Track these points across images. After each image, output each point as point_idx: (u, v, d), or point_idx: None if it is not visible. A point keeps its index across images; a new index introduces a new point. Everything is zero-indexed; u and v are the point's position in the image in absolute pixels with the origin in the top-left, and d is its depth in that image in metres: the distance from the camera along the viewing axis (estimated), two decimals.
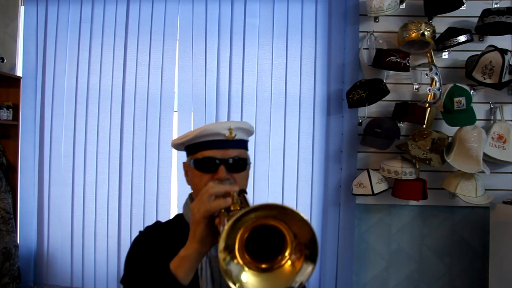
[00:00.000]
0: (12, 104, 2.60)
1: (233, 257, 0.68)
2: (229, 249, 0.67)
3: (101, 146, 2.58)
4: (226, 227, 0.66)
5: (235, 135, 1.00)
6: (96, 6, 2.59)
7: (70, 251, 2.59)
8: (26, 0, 2.66)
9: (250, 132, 1.07)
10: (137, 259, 0.99)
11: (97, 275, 2.57)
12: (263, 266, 0.71)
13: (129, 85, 2.57)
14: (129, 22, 2.56)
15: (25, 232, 2.63)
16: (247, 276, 0.69)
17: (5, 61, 2.62)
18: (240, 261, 0.69)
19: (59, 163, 2.61)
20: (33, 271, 2.64)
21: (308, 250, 0.69)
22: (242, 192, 0.92)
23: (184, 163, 1.10)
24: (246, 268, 0.69)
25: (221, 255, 0.66)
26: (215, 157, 0.98)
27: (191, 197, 1.09)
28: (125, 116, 2.57)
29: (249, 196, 1.00)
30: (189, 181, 1.08)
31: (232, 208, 0.78)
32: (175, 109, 2.59)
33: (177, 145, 1.09)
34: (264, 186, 2.48)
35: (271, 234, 0.71)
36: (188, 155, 1.08)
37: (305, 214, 0.68)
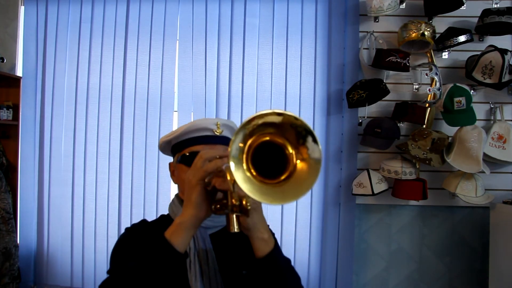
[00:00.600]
0: (12, 104, 2.60)
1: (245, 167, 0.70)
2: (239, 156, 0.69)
3: (101, 146, 2.58)
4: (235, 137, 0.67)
5: (222, 131, 1.02)
6: (96, 6, 2.59)
7: (70, 251, 2.59)
8: (26, 0, 2.66)
9: (234, 130, 1.07)
10: (123, 253, 0.99)
11: (97, 275, 2.57)
12: (282, 178, 0.72)
13: (129, 85, 2.57)
14: (129, 22, 2.57)
15: (25, 232, 2.63)
16: (259, 186, 0.70)
17: (5, 61, 2.62)
18: (250, 173, 0.70)
19: (59, 163, 2.61)
20: (33, 271, 2.64)
21: (303, 135, 0.71)
22: None
23: (170, 163, 1.10)
24: (252, 174, 0.70)
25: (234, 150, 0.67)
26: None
27: (178, 197, 1.09)
28: (125, 116, 2.57)
29: None
30: (175, 180, 1.08)
31: (225, 167, 0.78)
32: (175, 109, 2.59)
33: (165, 144, 1.09)
34: None
35: (271, 154, 0.73)
36: (174, 154, 1.08)
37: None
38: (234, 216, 0.80)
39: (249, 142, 0.71)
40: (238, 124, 0.98)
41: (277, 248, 0.87)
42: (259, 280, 0.84)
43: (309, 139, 0.71)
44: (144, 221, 1.12)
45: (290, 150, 0.73)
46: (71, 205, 2.59)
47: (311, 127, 0.71)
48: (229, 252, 1.01)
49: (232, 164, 0.68)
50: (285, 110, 0.69)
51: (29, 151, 2.64)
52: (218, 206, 0.82)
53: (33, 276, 2.63)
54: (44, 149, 2.61)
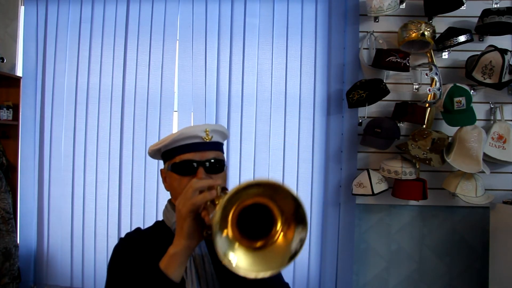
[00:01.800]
0: (12, 104, 2.60)
1: (226, 232, 0.70)
2: (222, 226, 0.69)
3: (101, 146, 2.58)
4: (222, 202, 0.67)
5: (212, 137, 1.02)
6: (96, 6, 2.59)
7: (70, 251, 2.59)
8: (26, 0, 2.66)
9: (225, 135, 1.08)
10: (120, 266, 0.99)
11: (97, 275, 2.57)
12: (257, 245, 0.73)
13: (129, 85, 2.57)
14: (129, 22, 2.56)
15: (25, 232, 2.63)
16: (239, 253, 0.70)
17: (5, 61, 2.62)
18: (231, 235, 0.70)
19: (59, 163, 2.61)
20: (33, 271, 2.64)
21: (296, 216, 0.72)
22: (224, 189, 0.93)
23: (161, 170, 1.10)
24: (237, 244, 0.71)
25: (215, 228, 0.67)
26: (194, 159, 0.99)
27: (170, 203, 1.09)
28: (125, 116, 2.57)
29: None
30: (167, 187, 1.08)
31: (216, 202, 0.79)
32: (175, 109, 2.59)
33: (154, 152, 1.09)
34: None
35: (261, 216, 0.73)
36: (165, 161, 1.08)
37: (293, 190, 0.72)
38: None
39: (233, 210, 0.71)
40: (228, 128, 1.00)
41: None
42: (256, 282, 0.85)
43: (303, 225, 0.72)
44: (138, 230, 1.12)
45: (278, 217, 0.74)
46: (71, 205, 2.59)
47: (307, 218, 0.73)
48: None
49: (228, 257, 0.68)
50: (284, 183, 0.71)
51: (29, 151, 2.64)
52: (210, 232, 0.82)
53: (33, 276, 2.63)
54: (44, 149, 2.61)
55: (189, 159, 0.99)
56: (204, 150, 1.00)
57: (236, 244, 0.70)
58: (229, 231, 0.70)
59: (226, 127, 2.49)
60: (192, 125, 1.06)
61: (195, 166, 0.98)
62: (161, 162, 2.63)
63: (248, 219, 0.73)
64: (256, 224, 0.73)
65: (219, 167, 1.01)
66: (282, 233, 0.73)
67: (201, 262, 0.98)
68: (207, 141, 1.01)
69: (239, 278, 0.96)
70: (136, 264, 0.97)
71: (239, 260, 0.69)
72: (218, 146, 1.05)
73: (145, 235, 1.07)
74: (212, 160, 1.00)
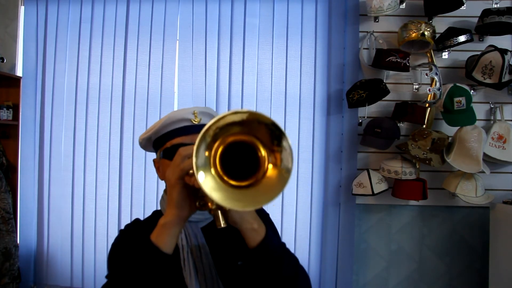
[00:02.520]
0: (12, 104, 2.60)
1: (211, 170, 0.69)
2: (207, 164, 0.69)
3: (101, 146, 2.58)
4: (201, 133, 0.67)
5: (201, 119, 1.00)
6: (96, 6, 2.59)
7: (70, 251, 2.59)
8: (26, 0, 2.66)
9: (213, 117, 1.06)
10: (119, 257, 0.99)
11: (97, 275, 2.57)
12: (246, 183, 0.72)
13: (129, 85, 2.57)
14: (129, 22, 2.57)
15: (25, 232, 2.63)
16: (226, 191, 0.69)
17: (5, 61, 2.62)
18: (215, 173, 0.70)
19: (59, 163, 2.61)
20: (33, 271, 2.64)
21: (273, 137, 0.69)
22: None
23: (154, 160, 1.08)
24: (222, 182, 0.70)
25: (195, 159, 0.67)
26: (184, 143, 0.96)
27: (166, 192, 1.07)
28: (125, 116, 2.57)
29: None
30: (161, 176, 1.06)
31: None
32: (175, 109, 2.59)
33: (145, 141, 1.07)
34: None
35: (247, 157, 0.72)
36: (156, 150, 1.06)
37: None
38: (219, 211, 0.79)
39: (215, 145, 0.70)
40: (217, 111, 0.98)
41: (268, 235, 0.85)
42: (254, 270, 0.84)
43: (284, 141, 0.70)
44: (137, 220, 1.11)
45: (263, 152, 0.72)
46: (71, 205, 2.59)
47: (281, 126, 0.69)
48: (223, 244, 1.01)
49: (199, 176, 0.67)
50: (257, 109, 0.69)
51: (29, 151, 2.64)
52: (202, 202, 0.81)
53: (33, 276, 2.63)
54: (44, 149, 2.61)
55: (180, 143, 0.97)
56: (194, 132, 0.98)
57: (221, 182, 0.70)
58: (219, 172, 0.70)
59: None
60: (176, 110, 1.05)
61: None
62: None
63: (234, 162, 0.72)
64: (244, 166, 0.72)
65: None
66: (271, 165, 0.72)
67: (198, 253, 0.97)
68: (196, 123, 1.00)
69: (238, 270, 0.95)
70: (133, 255, 0.96)
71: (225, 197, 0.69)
72: None
73: (143, 226, 1.06)
74: None
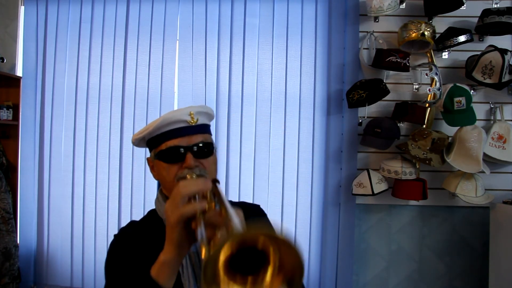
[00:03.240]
0: (12, 104, 2.60)
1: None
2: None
3: (101, 146, 2.58)
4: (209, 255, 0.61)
5: (197, 120, 0.97)
6: (96, 6, 2.59)
7: (70, 251, 2.59)
8: (26, 0, 2.66)
9: (210, 116, 1.03)
10: (116, 264, 0.97)
11: (97, 275, 2.57)
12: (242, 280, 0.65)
13: (129, 85, 2.57)
14: (129, 22, 2.56)
15: (25, 232, 2.63)
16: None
17: (5, 61, 2.62)
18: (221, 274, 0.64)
19: (59, 163, 2.61)
20: (33, 271, 2.64)
21: (290, 277, 0.63)
22: (214, 182, 0.88)
23: (148, 159, 1.05)
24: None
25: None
26: (181, 145, 0.94)
27: (161, 193, 1.05)
28: (125, 116, 2.57)
29: (221, 186, 0.97)
30: (156, 176, 1.03)
31: (206, 208, 0.75)
32: (175, 109, 2.58)
33: (138, 140, 1.04)
34: (264, 186, 2.48)
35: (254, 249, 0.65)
36: (151, 149, 1.03)
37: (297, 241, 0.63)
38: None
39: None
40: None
41: None
42: None
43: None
44: (132, 223, 1.10)
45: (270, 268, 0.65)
46: (71, 205, 2.59)
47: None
48: None
49: None
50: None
51: (29, 151, 2.64)
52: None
53: (33, 276, 2.63)
54: (44, 149, 2.61)
55: (176, 145, 0.94)
56: (190, 134, 0.96)
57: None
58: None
59: (226, 128, 2.50)
60: (172, 110, 1.02)
61: (183, 152, 0.94)
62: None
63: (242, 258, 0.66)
64: (247, 258, 0.66)
65: (207, 151, 0.98)
66: (269, 280, 0.65)
67: (196, 259, 0.96)
68: (193, 124, 0.96)
69: None
70: (131, 262, 0.95)
71: None
72: (205, 129, 1.00)
73: (138, 228, 1.05)
74: (200, 144, 0.96)
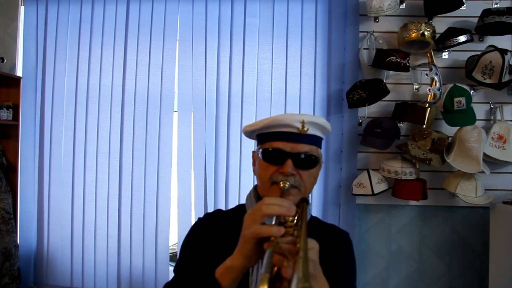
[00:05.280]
0: (12, 104, 2.60)
1: None
2: None
3: (101, 146, 2.58)
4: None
5: (307, 130, 0.96)
6: (96, 6, 2.59)
7: (70, 251, 2.59)
8: (26, 0, 2.66)
9: (324, 128, 1.01)
10: (192, 248, 1.00)
11: (97, 275, 2.57)
12: None
13: (129, 85, 2.57)
14: (129, 22, 2.57)
15: (25, 232, 2.63)
16: None
17: (5, 61, 2.62)
18: None
19: (59, 163, 2.61)
20: (33, 271, 2.64)
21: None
22: (303, 201, 0.88)
23: (253, 152, 1.07)
24: None
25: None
26: (284, 149, 0.95)
27: (255, 189, 1.06)
28: (125, 116, 2.57)
29: (311, 208, 0.97)
30: (255, 171, 1.04)
31: (283, 233, 0.75)
32: (175, 109, 2.59)
33: (248, 133, 1.06)
34: None
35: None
36: (258, 144, 1.05)
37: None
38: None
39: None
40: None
41: None
42: None
43: None
44: (218, 211, 1.11)
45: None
46: (71, 205, 2.59)
47: None
48: None
49: None
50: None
51: (29, 151, 2.63)
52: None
53: (33, 276, 2.63)
54: (44, 149, 2.61)
55: (280, 148, 0.95)
56: (297, 141, 0.95)
57: None
58: None
59: (226, 128, 2.49)
60: (286, 113, 1.03)
61: (285, 156, 0.94)
62: (161, 162, 2.62)
63: None
64: None
65: (310, 162, 0.97)
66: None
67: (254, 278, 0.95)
68: (302, 133, 0.95)
69: None
70: (205, 250, 0.97)
71: None
72: (314, 140, 0.99)
73: (223, 218, 1.06)
74: (304, 155, 0.95)
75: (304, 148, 0.96)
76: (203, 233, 1.02)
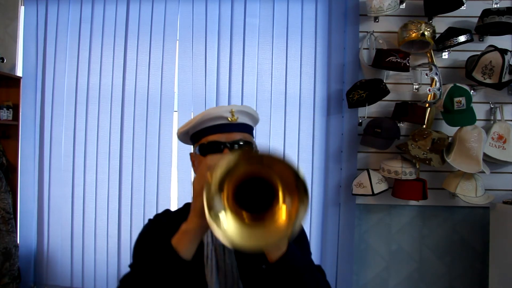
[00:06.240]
0: (12, 104, 2.60)
1: (221, 198, 0.71)
2: (220, 188, 0.70)
3: (101, 146, 2.58)
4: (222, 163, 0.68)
5: (237, 118, 1.00)
6: (96, 6, 2.59)
7: (70, 251, 2.59)
8: (26, 0, 2.66)
9: (253, 117, 1.05)
10: (144, 246, 1.00)
11: (97, 275, 2.57)
12: (255, 219, 0.73)
13: (129, 85, 2.57)
14: (129, 22, 2.57)
15: (25, 232, 2.63)
16: (229, 220, 0.71)
17: (5, 61, 2.62)
18: (226, 204, 0.71)
19: (59, 163, 2.61)
20: (33, 271, 2.64)
21: (298, 189, 0.70)
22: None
23: (190, 154, 1.09)
24: (229, 212, 0.71)
25: (213, 188, 0.68)
26: (220, 140, 0.97)
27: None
28: (125, 116, 2.57)
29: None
30: (196, 171, 1.07)
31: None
32: (175, 109, 2.59)
33: (183, 135, 1.08)
34: None
35: (263, 191, 0.73)
36: (193, 144, 1.07)
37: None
38: None
39: (233, 179, 0.72)
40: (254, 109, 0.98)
41: (289, 252, 0.83)
42: (274, 282, 0.84)
43: (304, 196, 0.70)
44: (167, 211, 1.12)
45: (280, 191, 0.73)
46: (71, 205, 2.59)
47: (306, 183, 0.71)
48: None
49: (217, 223, 0.69)
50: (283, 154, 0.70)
51: (29, 151, 2.63)
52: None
53: (33, 276, 2.63)
54: (44, 149, 2.61)
55: (216, 140, 0.98)
56: (230, 131, 0.99)
57: (229, 213, 0.71)
58: (225, 197, 0.71)
59: None
60: (214, 107, 1.06)
61: (222, 147, 0.97)
62: (161, 162, 2.61)
63: (250, 195, 0.73)
64: (258, 200, 0.74)
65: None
66: (285, 208, 0.72)
67: (221, 252, 0.97)
68: (233, 122, 0.99)
69: (260, 273, 0.94)
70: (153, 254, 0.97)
71: (230, 228, 0.70)
72: (245, 128, 1.02)
73: (173, 218, 1.06)
74: (240, 142, 0.98)
75: (238, 136, 0.99)
76: (156, 234, 1.01)
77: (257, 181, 0.73)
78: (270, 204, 0.73)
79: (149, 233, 1.03)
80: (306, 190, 0.70)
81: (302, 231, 1.14)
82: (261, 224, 0.72)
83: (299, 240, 0.97)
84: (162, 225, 1.03)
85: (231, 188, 0.72)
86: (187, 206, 1.12)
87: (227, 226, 0.70)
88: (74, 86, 2.60)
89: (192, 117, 1.14)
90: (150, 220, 1.07)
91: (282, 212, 0.72)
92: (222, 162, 0.70)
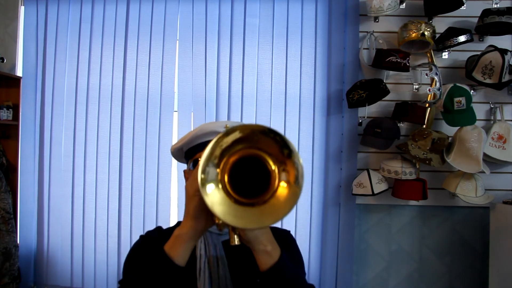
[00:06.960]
0: (12, 104, 2.60)
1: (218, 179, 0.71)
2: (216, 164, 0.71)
3: (101, 146, 2.58)
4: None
5: None
6: (96, 6, 2.59)
7: (70, 251, 2.59)
8: (26, 0, 2.66)
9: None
10: (135, 263, 0.98)
11: (97, 275, 2.57)
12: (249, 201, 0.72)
13: (129, 85, 2.57)
14: (129, 22, 2.56)
15: (25, 232, 2.63)
16: (220, 195, 0.70)
17: (5, 61, 2.62)
18: (219, 178, 0.71)
19: (59, 163, 2.61)
20: (33, 271, 2.64)
21: (283, 151, 0.71)
22: None
23: (184, 171, 1.08)
24: (221, 190, 0.71)
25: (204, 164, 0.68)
26: None
27: None
28: (125, 116, 2.57)
29: None
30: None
31: None
32: (175, 109, 2.59)
33: (177, 151, 1.08)
34: None
35: (259, 178, 0.73)
36: (187, 161, 1.07)
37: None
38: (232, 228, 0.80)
39: (224, 161, 0.72)
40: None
41: (281, 260, 0.83)
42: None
43: (294, 155, 0.72)
44: (159, 228, 1.11)
45: (273, 166, 0.74)
46: (71, 205, 2.59)
47: (288, 140, 0.72)
48: (243, 259, 0.98)
49: (207, 188, 0.68)
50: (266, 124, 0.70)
51: (29, 151, 2.63)
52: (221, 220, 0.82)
53: (33, 276, 2.63)
54: (44, 149, 2.61)
55: None
56: None
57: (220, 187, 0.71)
58: (220, 185, 0.71)
59: None
60: (208, 122, 1.05)
61: None
62: (161, 162, 2.61)
63: (246, 179, 0.73)
64: (256, 183, 0.74)
65: None
66: (283, 183, 0.73)
67: (215, 264, 0.96)
68: None
69: (254, 286, 0.94)
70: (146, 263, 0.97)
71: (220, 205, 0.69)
72: None
73: (165, 235, 1.05)
74: None
75: None
76: (146, 251, 1.00)
77: (252, 163, 0.73)
78: (265, 188, 0.73)
79: (140, 249, 1.01)
80: (292, 150, 0.72)
81: (295, 246, 1.12)
82: (257, 207, 0.72)
83: (292, 255, 0.98)
84: (154, 241, 1.02)
85: (226, 169, 0.72)
86: (179, 223, 1.11)
87: (216, 200, 0.70)
88: (74, 86, 2.60)
89: (191, 123, 1.14)
90: (141, 236, 1.06)
91: (280, 188, 0.73)
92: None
